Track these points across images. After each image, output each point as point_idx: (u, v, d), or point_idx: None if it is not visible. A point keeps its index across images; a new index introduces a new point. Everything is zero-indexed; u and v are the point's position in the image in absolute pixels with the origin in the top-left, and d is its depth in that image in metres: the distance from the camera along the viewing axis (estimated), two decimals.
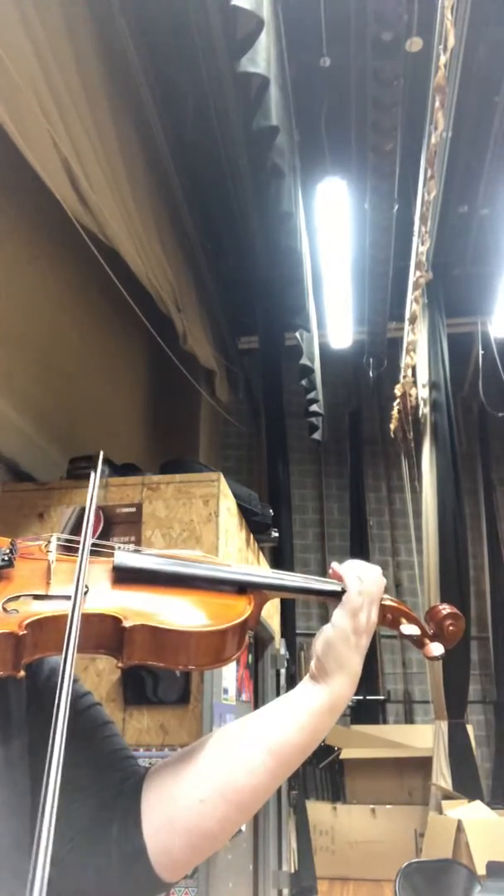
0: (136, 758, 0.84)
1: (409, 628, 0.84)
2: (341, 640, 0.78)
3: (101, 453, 0.82)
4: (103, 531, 2.95)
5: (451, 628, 0.84)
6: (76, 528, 2.99)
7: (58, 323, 4.00)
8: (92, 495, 0.77)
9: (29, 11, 2.67)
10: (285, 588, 0.84)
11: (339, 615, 0.80)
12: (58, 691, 0.58)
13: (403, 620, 0.85)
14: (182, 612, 0.74)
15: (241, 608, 0.76)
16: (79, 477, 3.27)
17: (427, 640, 0.85)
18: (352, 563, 0.84)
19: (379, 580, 0.83)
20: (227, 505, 3.16)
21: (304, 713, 0.77)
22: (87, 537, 0.72)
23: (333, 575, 0.83)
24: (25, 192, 3.35)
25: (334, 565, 0.83)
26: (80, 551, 0.71)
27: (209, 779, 0.75)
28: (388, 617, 0.85)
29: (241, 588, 0.80)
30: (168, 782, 0.76)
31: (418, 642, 0.85)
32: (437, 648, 0.84)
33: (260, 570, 0.84)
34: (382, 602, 0.83)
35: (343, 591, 0.81)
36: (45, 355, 3.80)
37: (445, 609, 0.85)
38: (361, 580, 0.81)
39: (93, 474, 0.81)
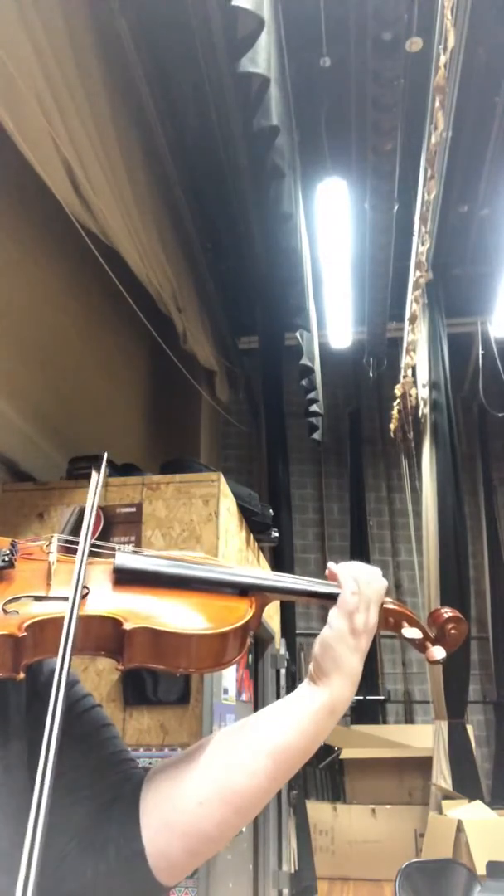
0: (136, 760, 0.84)
1: (410, 632, 0.84)
2: (338, 641, 0.78)
3: (106, 455, 0.81)
4: (103, 531, 2.95)
5: (452, 632, 0.84)
6: (76, 528, 2.99)
7: (58, 323, 4.00)
8: (94, 496, 0.76)
9: (29, 11, 2.67)
10: (287, 590, 0.83)
11: (334, 616, 0.79)
12: (53, 693, 0.58)
13: (405, 624, 0.84)
14: (183, 615, 0.73)
15: (242, 611, 0.76)
16: (79, 477, 3.27)
17: (429, 644, 0.84)
18: (349, 563, 0.83)
19: (376, 581, 0.81)
20: (227, 505, 3.16)
21: (304, 716, 0.76)
22: (87, 538, 0.71)
23: (329, 575, 0.82)
24: (26, 192, 3.35)
25: (331, 565, 0.82)
26: (79, 552, 0.70)
27: (208, 781, 0.74)
28: (390, 620, 0.84)
29: (243, 590, 0.79)
30: (167, 784, 0.76)
31: (420, 646, 0.84)
32: (438, 652, 0.83)
33: (261, 573, 0.83)
34: (384, 605, 0.82)
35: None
36: (45, 355, 3.80)
37: (447, 612, 0.85)
38: (357, 581, 0.80)
39: (94, 475, 0.80)
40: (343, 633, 0.78)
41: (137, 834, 0.73)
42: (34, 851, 0.50)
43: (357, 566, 0.83)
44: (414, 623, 0.85)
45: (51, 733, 0.56)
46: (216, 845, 0.76)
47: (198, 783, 0.74)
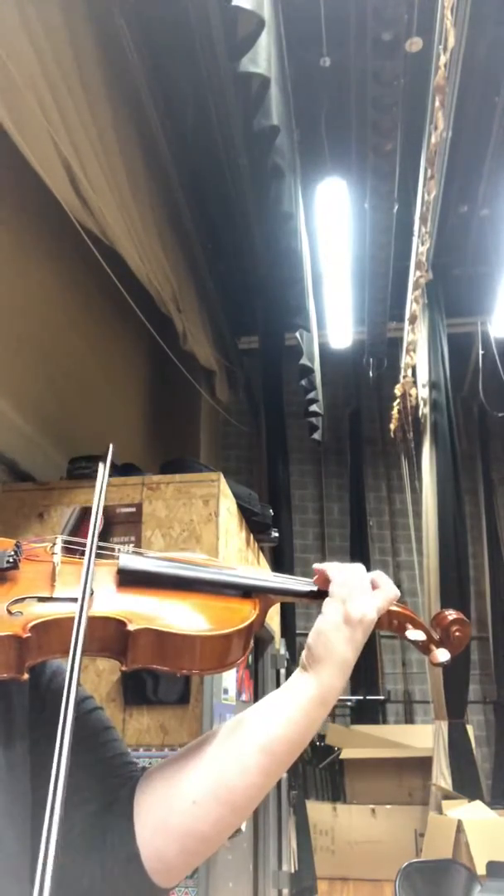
0: (137, 763, 0.83)
1: (415, 634, 0.83)
2: (331, 627, 0.77)
3: (111, 446, 0.81)
4: (103, 531, 2.94)
5: (457, 634, 0.84)
6: (76, 528, 2.99)
7: (58, 323, 4.00)
8: (101, 490, 0.76)
9: (29, 11, 2.66)
10: (291, 593, 0.83)
11: (328, 603, 0.79)
12: (65, 695, 0.57)
13: (409, 626, 0.84)
14: (187, 616, 0.73)
15: (246, 612, 0.76)
16: (79, 477, 3.27)
17: (433, 646, 0.84)
18: (335, 563, 0.84)
19: (362, 574, 0.82)
20: (227, 505, 3.16)
21: (294, 707, 0.76)
22: (94, 539, 0.71)
23: (316, 571, 0.82)
24: (25, 192, 3.35)
25: (316, 565, 0.83)
26: (86, 552, 0.70)
27: (201, 780, 0.74)
28: (395, 622, 0.84)
29: (247, 592, 0.79)
30: (161, 785, 0.76)
31: (424, 648, 0.84)
32: (443, 654, 0.83)
33: (266, 575, 0.83)
34: (389, 607, 0.82)
35: None
36: (45, 355, 3.80)
37: (452, 615, 0.85)
38: (341, 570, 0.81)
39: (101, 466, 0.80)
40: (337, 621, 0.77)
41: (132, 836, 0.73)
42: (48, 862, 0.50)
43: (339, 563, 0.83)
44: (418, 625, 0.84)
45: (62, 742, 0.55)
46: (212, 845, 0.75)
47: (191, 782, 0.74)
